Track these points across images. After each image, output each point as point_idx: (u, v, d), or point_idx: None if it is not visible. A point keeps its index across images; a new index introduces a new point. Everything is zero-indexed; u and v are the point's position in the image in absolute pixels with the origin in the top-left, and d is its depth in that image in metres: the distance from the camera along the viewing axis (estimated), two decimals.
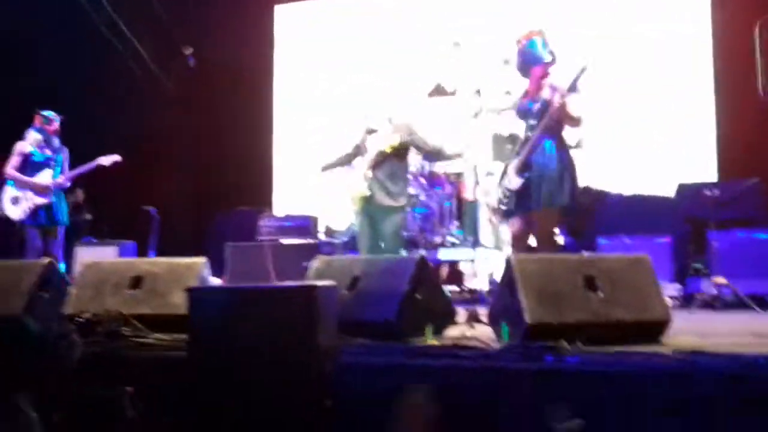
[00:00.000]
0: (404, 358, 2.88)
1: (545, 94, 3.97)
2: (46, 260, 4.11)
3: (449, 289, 7.13)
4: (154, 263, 4.01)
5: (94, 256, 6.48)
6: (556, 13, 7.73)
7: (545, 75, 4.03)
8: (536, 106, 3.97)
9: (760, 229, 5.63)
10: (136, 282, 3.82)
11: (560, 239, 4.90)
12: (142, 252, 7.52)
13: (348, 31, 8.99)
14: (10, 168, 5.84)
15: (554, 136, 3.98)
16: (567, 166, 3.99)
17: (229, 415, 2.30)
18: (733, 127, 7.05)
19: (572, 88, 3.82)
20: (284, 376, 2.17)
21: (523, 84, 4.16)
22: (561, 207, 3.98)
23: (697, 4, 7.62)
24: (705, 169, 7.18)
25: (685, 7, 7.68)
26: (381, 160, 5.09)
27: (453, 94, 3.96)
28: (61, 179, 5.93)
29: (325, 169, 5.50)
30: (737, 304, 5.28)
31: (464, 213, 6.48)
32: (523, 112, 4.06)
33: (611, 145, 7.34)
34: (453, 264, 6.85)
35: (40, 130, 5.91)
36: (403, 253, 5.58)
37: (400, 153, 5.10)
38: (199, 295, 2.27)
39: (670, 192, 6.19)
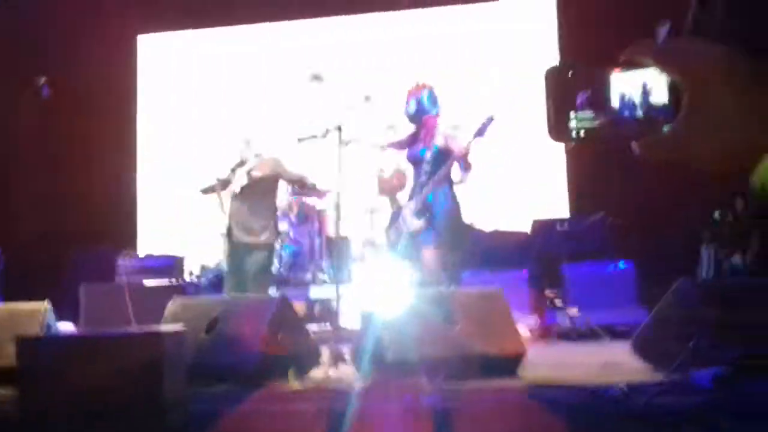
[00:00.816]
0: (262, 405, 2.80)
1: (439, 142, 4.22)
2: None
3: (320, 327, 7.08)
4: None
5: None
6: (402, 53, 8.04)
7: (436, 125, 4.29)
8: (429, 153, 4.20)
9: (607, 261, 6.00)
10: None
11: None
12: None
13: (214, 63, 8.87)
14: None
15: (449, 180, 4.23)
16: (459, 209, 4.28)
17: None
18: (580, 164, 7.54)
19: (480, 134, 4.06)
20: (124, 430, 2.03)
21: (407, 126, 4.36)
22: (453, 248, 4.28)
23: (543, 44, 8.13)
24: (557, 206, 7.59)
25: (528, 47, 8.16)
26: (243, 195, 4.96)
27: (323, 136, 3.98)
28: None
29: (205, 192, 5.31)
30: (591, 334, 5.56)
31: (332, 249, 6.46)
32: (415, 158, 4.27)
33: (472, 182, 7.65)
34: (323, 301, 6.80)
35: None
36: (272, 291, 5.46)
37: (264, 187, 5.01)
38: (29, 345, 2.08)
39: (525, 228, 6.47)
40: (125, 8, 8.47)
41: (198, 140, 8.41)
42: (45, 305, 3.61)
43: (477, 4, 8.29)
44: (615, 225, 6.21)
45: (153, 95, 9.12)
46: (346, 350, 3.85)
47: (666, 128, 0.73)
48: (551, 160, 7.78)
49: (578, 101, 0.79)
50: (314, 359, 3.69)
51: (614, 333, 5.61)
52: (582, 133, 0.81)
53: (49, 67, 8.52)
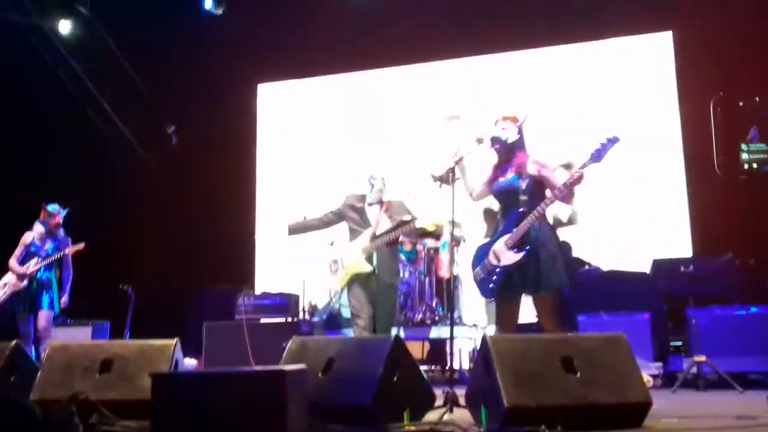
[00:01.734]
0: None
1: (531, 170, 3.97)
2: (12, 343, 4.02)
3: (431, 367, 7.04)
4: (124, 346, 3.92)
5: (67, 337, 6.34)
6: (526, 94, 7.98)
7: (528, 157, 4.05)
8: (523, 183, 3.94)
9: (737, 305, 5.63)
10: (106, 365, 3.74)
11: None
12: (117, 332, 7.37)
13: (330, 109, 9.16)
14: (13, 258, 6.19)
15: (544, 214, 3.92)
16: (561, 245, 3.97)
17: None
18: (705, 203, 7.17)
19: (598, 157, 3.73)
20: None
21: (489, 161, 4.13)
22: (560, 288, 3.91)
23: (664, 83, 7.87)
24: (679, 246, 7.24)
25: (653, 87, 7.92)
26: (395, 238, 5.02)
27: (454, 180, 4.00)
28: (33, 266, 6.11)
29: (294, 230, 5.39)
30: (719, 383, 5.22)
31: (443, 289, 6.44)
32: (508, 188, 3.99)
33: (587, 221, 7.43)
34: (435, 342, 6.77)
35: (43, 223, 6.25)
36: (394, 331, 5.48)
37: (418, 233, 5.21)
38: (163, 380, 2.20)
39: (645, 268, 6.20)
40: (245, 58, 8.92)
41: (314, 182, 8.68)
42: (174, 342, 3.80)
43: (597, 42, 8.17)
44: (746, 266, 5.84)
45: (272, 141, 9.51)
46: (461, 393, 3.81)
47: None
48: (673, 198, 7.47)
49: (751, 134, 0.75)
50: (429, 401, 3.66)
51: (746, 382, 5.24)
52: (755, 165, 0.77)
53: (175, 116, 9.16)
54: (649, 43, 8.05)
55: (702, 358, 5.25)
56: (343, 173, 7.87)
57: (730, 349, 5.45)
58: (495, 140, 4.01)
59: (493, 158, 4.09)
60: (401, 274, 6.46)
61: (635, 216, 7.44)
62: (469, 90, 8.37)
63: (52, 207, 6.27)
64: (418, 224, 4.78)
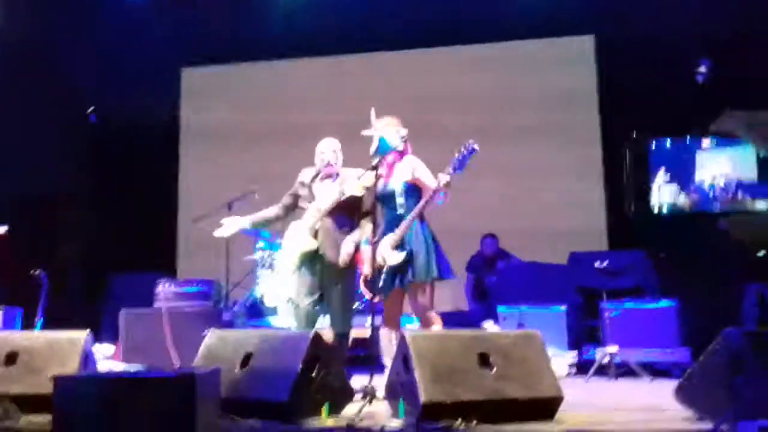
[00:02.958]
0: None
1: (406, 176, 4.17)
2: None
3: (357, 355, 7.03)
4: (31, 338, 3.77)
5: None
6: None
7: (398, 161, 4.24)
8: (398, 188, 4.16)
9: (647, 298, 5.86)
10: (11, 358, 3.60)
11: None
12: (29, 319, 7.06)
13: (259, 97, 8.98)
14: None
15: (420, 215, 4.13)
16: (434, 241, 4.14)
17: None
18: (621, 203, 7.38)
19: (460, 167, 3.95)
20: None
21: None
22: (432, 280, 4.08)
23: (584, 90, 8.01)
24: (595, 239, 7.41)
25: (571, 93, 8.04)
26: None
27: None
28: None
29: (256, 224, 4.78)
30: (629, 372, 5.43)
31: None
32: (387, 195, 4.20)
33: (508, 212, 7.57)
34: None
35: None
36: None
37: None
38: (66, 384, 2.11)
39: (562, 260, 6.36)
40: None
41: (242, 163, 8.49)
42: (85, 334, 3.67)
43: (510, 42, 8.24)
44: (657, 261, 6.08)
45: (197, 125, 9.26)
46: (379, 387, 3.82)
47: (757, 205, 0.70)
48: (590, 192, 7.65)
49: (661, 175, 0.75)
50: (348, 395, 3.66)
51: (654, 372, 5.48)
52: (665, 209, 0.77)
53: (94, 97, 8.81)
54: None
55: (614, 348, 5.46)
56: (276, 153, 7.72)
57: (640, 340, 5.68)
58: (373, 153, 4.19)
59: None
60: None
61: (554, 210, 7.57)
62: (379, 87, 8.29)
63: None
64: (347, 191, 4.31)
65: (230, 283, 7.17)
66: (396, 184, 4.16)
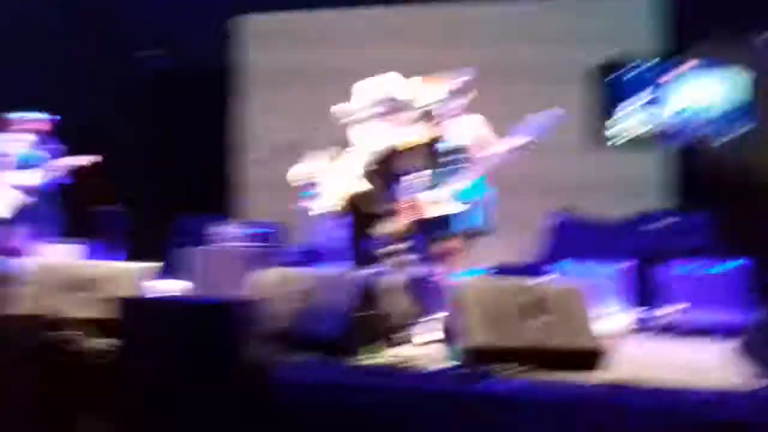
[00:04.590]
0: (343, 376, 2.89)
1: (470, 132, 4.24)
2: None
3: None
4: (104, 267, 3.99)
5: (59, 254, 6.40)
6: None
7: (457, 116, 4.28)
8: (463, 143, 4.23)
9: (715, 258, 5.69)
10: (88, 284, 3.82)
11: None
12: (108, 252, 7.44)
13: (317, 47, 8.97)
14: None
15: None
16: (490, 196, 4.24)
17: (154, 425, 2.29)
18: (693, 159, 7.08)
19: (541, 131, 4.02)
20: (207, 390, 2.16)
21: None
22: (486, 232, 4.23)
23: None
24: (662, 197, 7.14)
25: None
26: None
27: None
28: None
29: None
30: (695, 332, 5.32)
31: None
32: (451, 149, 4.25)
33: (572, 168, 7.36)
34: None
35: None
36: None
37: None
38: (130, 304, 2.26)
39: (629, 217, 6.21)
40: None
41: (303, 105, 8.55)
42: (153, 266, 3.86)
43: None
44: (726, 220, 5.87)
45: (259, 70, 9.33)
46: (430, 330, 3.89)
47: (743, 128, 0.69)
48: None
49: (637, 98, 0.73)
50: (400, 335, 3.75)
51: (720, 333, 5.34)
52: (629, 136, 0.76)
53: (153, 43, 9.00)
54: None
55: (679, 308, 5.35)
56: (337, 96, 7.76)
57: (707, 301, 5.54)
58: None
59: None
60: None
61: (619, 164, 7.31)
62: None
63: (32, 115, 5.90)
64: (403, 138, 4.24)
65: (289, 226, 7.34)
66: (460, 139, 4.22)
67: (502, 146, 4.09)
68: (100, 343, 3.29)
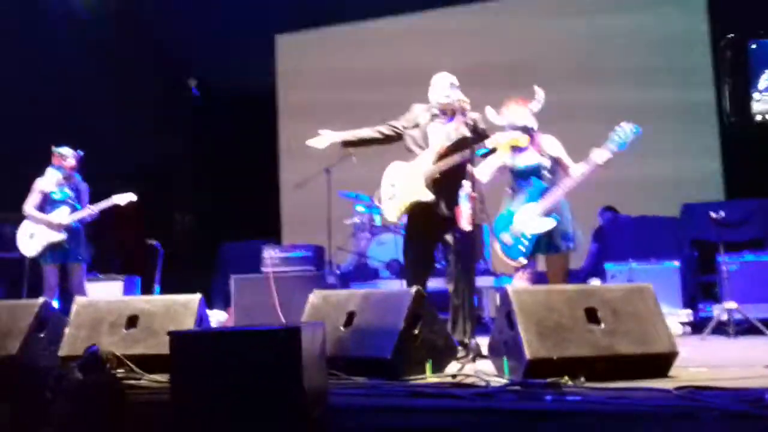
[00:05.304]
0: (397, 398, 2.81)
1: (552, 151, 4.38)
2: (41, 300, 4.09)
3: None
4: (149, 301, 3.97)
5: (98, 291, 6.44)
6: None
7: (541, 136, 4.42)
8: (547, 162, 4.36)
9: None
10: (132, 321, 3.81)
11: None
12: (146, 286, 7.49)
13: (358, 59, 8.97)
14: (29, 205, 5.83)
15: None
16: (572, 215, 4.36)
17: None
18: (738, 147, 6.91)
19: (622, 147, 4.13)
20: (268, 420, 2.10)
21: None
22: (570, 251, 4.34)
23: (696, 31, 7.51)
24: (710, 189, 6.99)
25: (683, 35, 7.56)
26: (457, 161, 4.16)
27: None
28: (77, 215, 5.87)
29: (347, 144, 4.61)
30: (749, 329, 5.14)
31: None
32: (534, 168, 4.36)
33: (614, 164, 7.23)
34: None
35: (58, 168, 5.90)
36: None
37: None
38: (179, 338, 2.21)
39: (674, 213, 6.05)
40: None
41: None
42: (198, 298, 3.83)
43: None
44: None
45: (295, 92, 9.38)
46: (484, 344, 3.79)
47: None
48: (705, 141, 7.21)
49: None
50: (451, 353, 3.65)
51: None
52: None
53: (194, 70, 9.08)
54: None
55: (732, 304, 5.17)
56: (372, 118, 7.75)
57: (762, 296, 5.35)
58: (523, 129, 4.31)
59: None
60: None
61: (665, 157, 7.17)
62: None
63: (63, 150, 5.89)
64: (489, 143, 4.07)
65: (333, 247, 7.31)
66: (543, 157, 4.35)
67: (584, 167, 4.20)
68: (154, 379, 3.28)
